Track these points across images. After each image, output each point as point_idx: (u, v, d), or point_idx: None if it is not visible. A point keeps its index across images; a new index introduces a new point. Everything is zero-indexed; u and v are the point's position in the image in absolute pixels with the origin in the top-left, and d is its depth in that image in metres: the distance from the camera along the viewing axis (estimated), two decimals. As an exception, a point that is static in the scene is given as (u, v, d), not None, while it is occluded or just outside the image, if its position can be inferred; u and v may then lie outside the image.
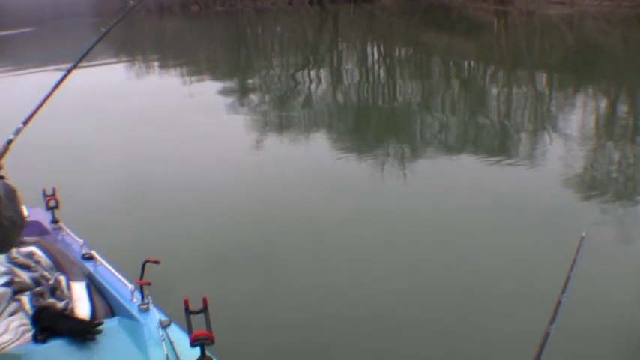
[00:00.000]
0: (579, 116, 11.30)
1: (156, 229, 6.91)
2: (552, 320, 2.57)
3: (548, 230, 6.01)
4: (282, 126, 12.43)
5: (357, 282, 5.41)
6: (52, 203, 4.60)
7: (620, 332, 4.42)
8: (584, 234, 3.09)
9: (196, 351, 2.79)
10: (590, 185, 7.70)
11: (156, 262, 3.31)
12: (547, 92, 14.08)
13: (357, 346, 4.53)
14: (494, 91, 14.91)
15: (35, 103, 4.07)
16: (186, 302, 2.73)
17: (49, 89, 4.27)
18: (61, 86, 4.37)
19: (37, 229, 4.65)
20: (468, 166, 8.52)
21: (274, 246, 6.25)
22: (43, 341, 2.99)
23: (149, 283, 3.33)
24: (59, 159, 10.21)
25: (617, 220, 6.58)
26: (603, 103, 12.39)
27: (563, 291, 2.76)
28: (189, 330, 2.76)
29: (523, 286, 5.01)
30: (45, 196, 4.59)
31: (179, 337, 2.93)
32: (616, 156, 9.00)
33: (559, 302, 2.68)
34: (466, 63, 20.58)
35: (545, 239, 5.78)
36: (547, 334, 2.49)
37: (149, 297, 3.37)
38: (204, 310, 2.77)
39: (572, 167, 8.16)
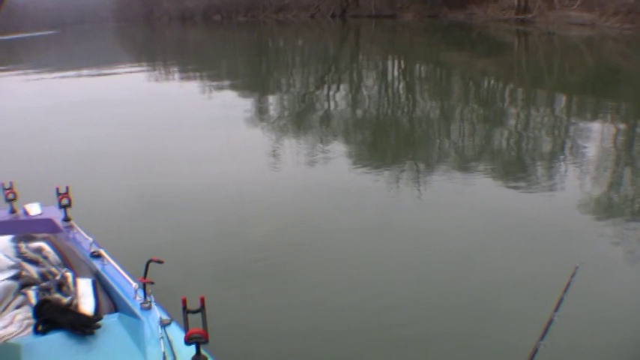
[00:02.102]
0: (597, 139, 11.25)
1: (166, 232, 6.97)
2: (543, 335, 2.64)
3: (552, 255, 6.02)
4: (299, 138, 12.48)
5: (360, 294, 5.43)
6: (64, 201, 4.70)
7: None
8: (578, 264, 3.23)
9: (192, 350, 2.85)
10: (599, 213, 7.68)
11: (159, 262, 3.38)
12: (566, 114, 14.04)
13: (356, 356, 4.56)
14: (512, 110, 14.88)
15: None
16: (184, 301, 2.79)
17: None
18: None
19: (50, 225, 4.77)
20: (483, 187, 8.51)
21: (281, 255, 6.28)
22: (43, 333, 3.06)
23: (152, 283, 3.40)
24: (77, 160, 10.36)
25: (623, 249, 6.57)
26: (622, 127, 12.33)
27: (555, 310, 2.85)
28: (185, 329, 2.83)
29: (523, 305, 5.05)
30: (58, 194, 4.69)
31: (178, 336, 2.99)
32: (633, 182, 8.97)
33: (551, 320, 2.77)
34: (486, 82, 20.60)
35: (550, 263, 5.80)
36: (536, 349, 2.56)
37: (152, 296, 3.43)
38: (202, 309, 2.82)
39: (588, 192, 8.11)
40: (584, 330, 4.61)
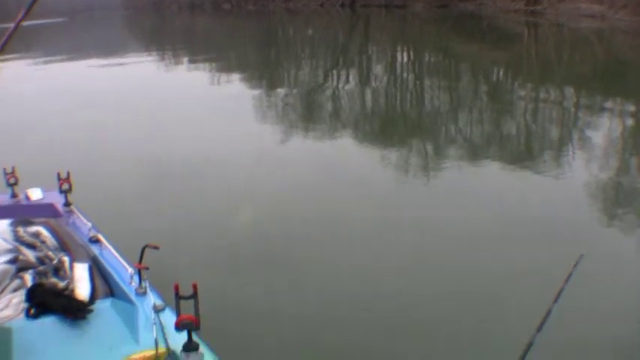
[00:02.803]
0: (605, 130, 11.17)
1: (165, 217, 6.97)
2: (540, 327, 2.59)
3: (556, 243, 5.96)
4: (307, 127, 12.46)
5: (360, 280, 5.41)
6: (65, 186, 4.69)
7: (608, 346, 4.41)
8: (583, 252, 3.15)
9: (185, 336, 2.84)
10: (606, 202, 7.62)
11: (155, 247, 3.36)
12: (574, 105, 13.96)
13: (356, 344, 4.53)
14: (521, 101, 14.82)
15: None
16: (176, 287, 2.77)
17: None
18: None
19: (50, 210, 4.76)
20: (491, 175, 8.48)
21: (282, 243, 6.26)
22: (35, 317, 3.05)
23: (147, 268, 3.37)
24: (81, 146, 10.37)
25: (630, 239, 6.51)
26: (630, 120, 12.24)
27: (555, 301, 2.79)
28: (177, 315, 2.81)
29: (526, 295, 4.99)
30: (59, 179, 4.68)
31: (171, 322, 2.96)
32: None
33: (549, 311, 2.71)
34: (495, 72, 20.49)
35: (551, 252, 5.74)
36: (531, 343, 2.52)
37: (147, 281, 3.41)
38: (194, 296, 2.80)
39: (595, 182, 8.06)
40: (585, 322, 4.55)
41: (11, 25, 3.98)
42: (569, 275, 2.96)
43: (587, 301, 4.62)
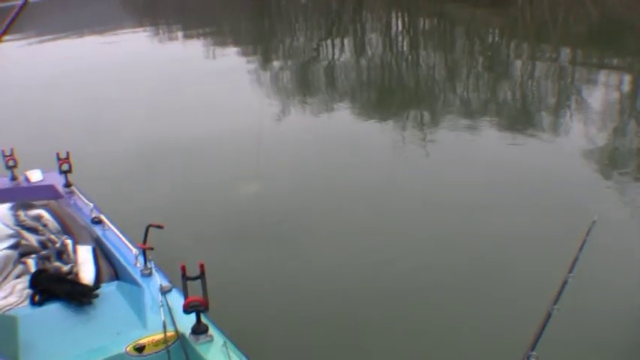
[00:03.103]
0: (602, 92, 11.06)
1: (167, 195, 6.88)
2: (556, 299, 2.53)
3: (565, 209, 5.88)
4: (304, 96, 12.33)
5: (368, 255, 5.35)
6: (65, 167, 4.63)
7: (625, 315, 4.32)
8: (595, 218, 3.07)
9: (193, 318, 2.79)
10: (611, 165, 7.55)
11: (159, 226, 3.30)
12: (570, 67, 13.81)
13: (364, 318, 4.48)
14: (517, 64, 14.67)
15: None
16: (183, 268, 2.72)
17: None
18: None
19: (51, 192, 4.71)
20: (489, 141, 8.40)
21: (285, 218, 6.16)
22: (40, 304, 3.00)
23: (151, 248, 3.32)
24: (78, 125, 10.26)
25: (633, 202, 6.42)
26: (627, 79, 12.11)
27: (570, 271, 2.73)
28: (184, 296, 2.76)
29: (534, 265, 4.93)
30: (59, 159, 4.62)
31: (179, 303, 2.91)
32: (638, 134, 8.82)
33: (565, 282, 2.65)
34: (490, 35, 20.28)
35: (561, 218, 5.67)
36: (549, 314, 2.45)
37: (152, 262, 3.36)
38: (202, 276, 2.75)
39: (594, 145, 7.96)
40: (601, 292, 4.42)
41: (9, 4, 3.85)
42: (583, 243, 2.89)
43: (602, 269, 4.51)
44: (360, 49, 18.69)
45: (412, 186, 6.82)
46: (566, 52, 15.61)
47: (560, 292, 2.55)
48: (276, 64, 16.70)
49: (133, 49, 21.64)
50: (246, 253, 5.43)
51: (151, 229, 3.30)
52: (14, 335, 2.79)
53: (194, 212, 6.40)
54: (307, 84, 14.03)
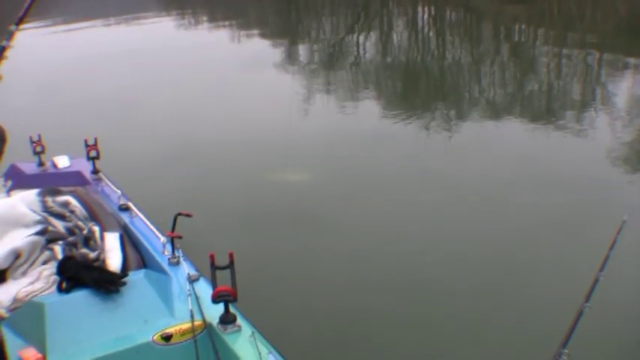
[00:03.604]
0: (629, 89, 10.88)
1: (196, 183, 6.88)
2: (588, 297, 2.50)
3: (593, 205, 5.80)
4: (330, 87, 12.27)
5: (395, 246, 5.32)
6: (92, 153, 4.64)
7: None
8: (626, 217, 3.03)
9: (221, 307, 2.77)
10: (637, 162, 7.43)
11: (188, 215, 3.29)
12: (597, 62, 13.60)
13: (391, 309, 4.45)
14: (544, 58, 14.48)
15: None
16: (212, 257, 2.71)
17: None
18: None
19: (78, 178, 4.71)
20: (515, 134, 8.32)
21: (314, 206, 6.17)
22: (67, 292, 2.99)
23: (180, 237, 3.31)
24: (106, 112, 10.24)
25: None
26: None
27: (601, 269, 2.69)
28: (213, 286, 2.74)
29: (564, 262, 4.86)
30: (86, 145, 4.63)
31: (206, 292, 2.90)
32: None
33: (596, 280, 2.61)
34: (517, 28, 20.06)
35: (589, 214, 5.59)
36: (581, 312, 2.42)
37: (180, 250, 3.35)
38: (231, 265, 2.74)
39: (621, 141, 7.85)
40: (632, 291, 4.36)
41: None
42: (614, 242, 2.85)
43: (634, 268, 4.44)
44: (386, 40, 18.59)
45: (440, 179, 6.78)
46: (592, 47, 15.36)
47: (591, 290, 2.52)
48: (302, 55, 16.64)
49: (159, 35, 21.64)
50: (275, 243, 5.42)
51: (179, 217, 3.29)
52: (41, 322, 2.79)
53: (222, 201, 6.38)
54: (333, 77, 13.97)
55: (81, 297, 2.94)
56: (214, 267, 2.73)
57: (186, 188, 6.68)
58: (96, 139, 4.65)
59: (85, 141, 4.64)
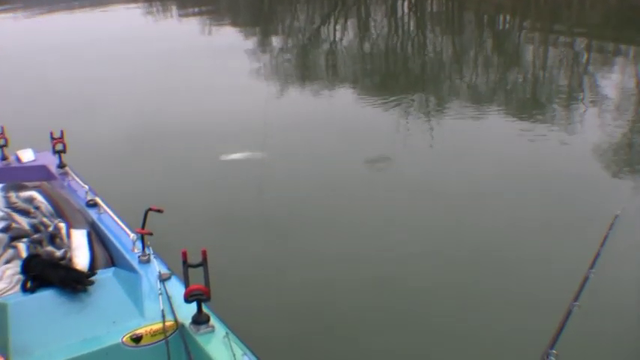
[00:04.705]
0: (617, 79, 10.85)
1: (166, 178, 6.74)
2: (577, 296, 2.44)
3: (586, 203, 5.73)
4: (304, 78, 12.18)
5: (369, 245, 5.20)
6: (59, 147, 4.48)
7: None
8: (618, 212, 2.97)
9: (194, 307, 2.67)
10: (626, 156, 7.38)
11: (159, 211, 3.17)
12: (585, 53, 13.53)
13: (363, 309, 4.35)
14: (529, 48, 14.43)
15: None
16: (184, 254, 2.59)
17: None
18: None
19: (43, 172, 4.58)
20: (497, 127, 8.25)
21: (288, 204, 6.05)
22: (32, 291, 2.87)
23: (150, 234, 3.19)
24: (72, 103, 10.04)
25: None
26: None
27: (591, 267, 2.63)
28: (185, 285, 2.64)
29: (553, 260, 4.79)
30: (52, 138, 4.47)
31: (178, 291, 2.79)
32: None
33: (586, 278, 2.56)
34: (501, 18, 20.00)
35: (582, 212, 5.52)
36: (569, 311, 2.36)
37: (150, 248, 3.22)
38: (204, 263, 2.63)
39: (608, 135, 7.75)
40: (623, 288, 4.29)
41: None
42: (605, 238, 2.79)
43: (625, 265, 4.38)
44: (364, 29, 18.49)
45: (418, 175, 6.68)
46: (580, 37, 15.26)
47: (581, 289, 2.45)
48: (275, 44, 16.50)
49: (127, 26, 21.40)
50: (249, 241, 5.31)
51: (149, 213, 3.17)
52: (4, 323, 2.67)
53: (194, 196, 6.26)
54: (308, 65, 13.86)
55: (46, 297, 2.82)
56: (187, 265, 2.62)
57: (157, 182, 6.55)
58: (62, 131, 4.50)
59: (51, 134, 4.48)
